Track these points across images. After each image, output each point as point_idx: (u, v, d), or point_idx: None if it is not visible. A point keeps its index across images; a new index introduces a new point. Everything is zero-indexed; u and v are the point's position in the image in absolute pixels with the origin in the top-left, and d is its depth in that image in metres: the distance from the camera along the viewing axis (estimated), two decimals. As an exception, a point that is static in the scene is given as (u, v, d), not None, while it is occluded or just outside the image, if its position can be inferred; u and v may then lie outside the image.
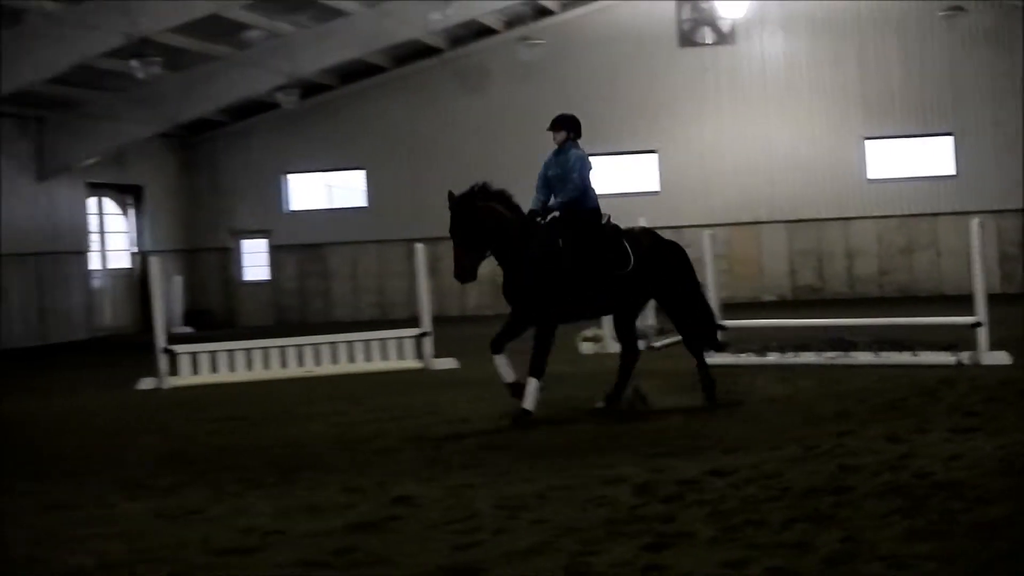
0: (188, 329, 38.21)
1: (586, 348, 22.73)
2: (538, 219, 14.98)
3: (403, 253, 36.91)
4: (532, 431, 13.91)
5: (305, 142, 40.98)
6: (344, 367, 21.75)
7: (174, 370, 21.38)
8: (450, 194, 14.66)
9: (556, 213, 15.00)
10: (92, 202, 38.58)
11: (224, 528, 9.72)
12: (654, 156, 39.04)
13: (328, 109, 40.82)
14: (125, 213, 40.40)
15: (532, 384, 14.53)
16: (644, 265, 15.23)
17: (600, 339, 22.76)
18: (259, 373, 21.55)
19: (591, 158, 15.65)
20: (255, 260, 42.10)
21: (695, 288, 16.11)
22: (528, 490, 10.46)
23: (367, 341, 22.19)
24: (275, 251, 41.59)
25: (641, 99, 38.85)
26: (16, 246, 34.16)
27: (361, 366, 21.73)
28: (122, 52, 30.02)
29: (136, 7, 28.13)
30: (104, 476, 12.45)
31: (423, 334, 21.81)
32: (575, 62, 39.14)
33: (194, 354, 21.67)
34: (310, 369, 21.76)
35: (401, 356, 21.96)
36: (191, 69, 35.33)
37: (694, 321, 15.99)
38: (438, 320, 21.68)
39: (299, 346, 22.09)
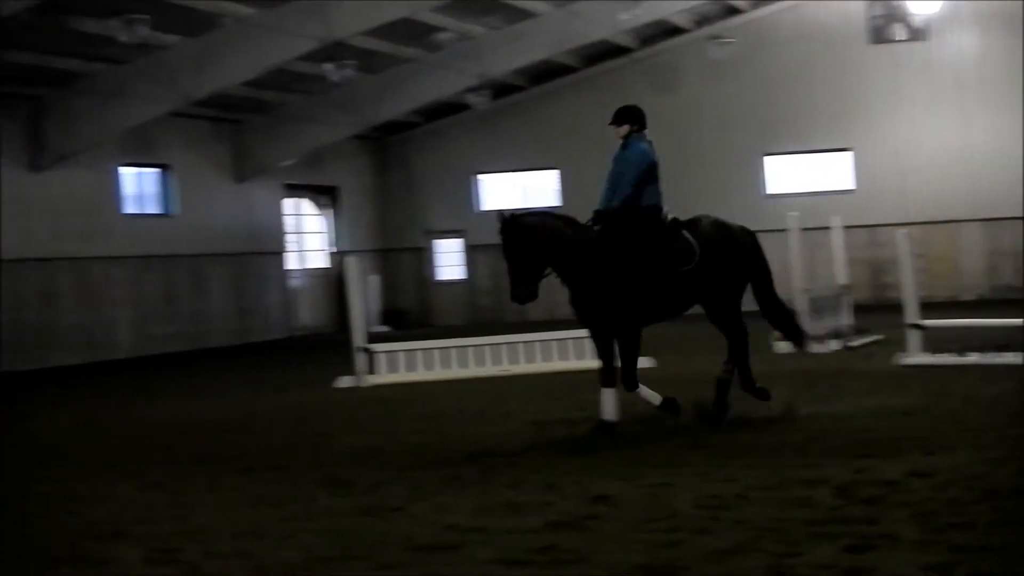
0: (384, 328, 38.68)
1: (782, 347, 22.49)
2: (594, 226, 14.30)
3: (595, 252, 36.97)
4: (730, 431, 13.84)
5: (497, 142, 41.29)
6: (539, 366, 21.84)
7: (372, 369, 21.68)
8: (499, 214, 14.12)
9: (612, 213, 14.31)
10: (289, 203, 39.27)
11: (425, 525, 9.81)
12: (849, 154, 38.63)
13: (519, 109, 41.06)
14: (321, 213, 41.02)
15: (609, 395, 14.19)
16: (712, 256, 14.43)
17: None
18: (455, 372, 21.73)
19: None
20: (449, 260, 42.48)
21: (766, 283, 15.24)
22: (727, 490, 10.41)
23: (562, 340, 22.24)
24: (470, 251, 41.90)
25: (833, 97, 38.47)
26: (216, 247, 34.95)
27: (556, 365, 21.79)
28: (316, 55, 30.52)
29: (330, 11, 28.58)
30: (307, 472, 12.66)
31: (617, 333, 21.76)
32: (765, 60, 38.90)
33: (391, 353, 21.94)
34: (506, 368, 21.88)
35: (596, 355, 21.90)
36: (384, 71, 35.80)
37: (776, 319, 15.56)
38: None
39: (495, 345, 22.24)
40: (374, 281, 40.55)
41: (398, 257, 42.80)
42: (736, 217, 16.23)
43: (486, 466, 12.40)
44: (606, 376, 14.28)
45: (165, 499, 11.66)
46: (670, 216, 14.49)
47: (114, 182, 32.78)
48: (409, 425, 15.97)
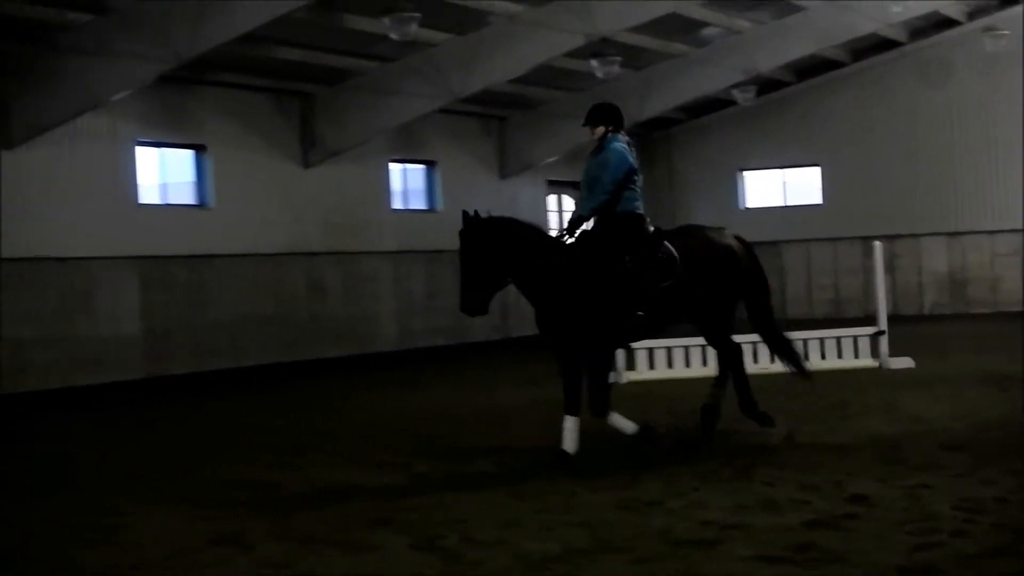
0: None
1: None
2: (565, 237, 13.25)
3: (858, 251, 36.59)
4: (991, 432, 13.60)
5: (759, 139, 41.00)
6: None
7: (631, 365, 21.78)
8: (464, 214, 12.90)
9: (587, 225, 13.28)
10: (552, 199, 39.57)
11: (683, 520, 9.91)
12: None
13: (782, 105, 40.70)
14: (583, 210, 41.21)
15: (569, 423, 12.86)
16: (695, 270, 13.54)
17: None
18: (713, 370, 21.59)
19: None
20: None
21: (760, 302, 14.65)
22: (987, 493, 10.28)
23: (821, 339, 22.04)
24: (733, 248, 41.66)
25: (1115, 90, 37.23)
26: (480, 242, 35.29)
27: (815, 364, 21.53)
28: (582, 52, 30.72)
29: (597, 8, 28.77)
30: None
31: (879, 332, 21.52)
32: (1041, 53, 37.82)
33: (650, 350, 21.96)
34: (764, 367, 21.74)
35: (856, 355, 21.71)
36: (649, 67, 35.81)
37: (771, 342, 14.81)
38: (894, 319, 21.32)
39: (752, 343, 22.09)
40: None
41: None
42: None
43: (742, 463, 12.42)
44: (569, 402, 13.00)
45: (428, 488, 11.94)
46: (652, 227, 13.59)
47: (382, 178, 33.45)
48: (665, 421, 16.01)
